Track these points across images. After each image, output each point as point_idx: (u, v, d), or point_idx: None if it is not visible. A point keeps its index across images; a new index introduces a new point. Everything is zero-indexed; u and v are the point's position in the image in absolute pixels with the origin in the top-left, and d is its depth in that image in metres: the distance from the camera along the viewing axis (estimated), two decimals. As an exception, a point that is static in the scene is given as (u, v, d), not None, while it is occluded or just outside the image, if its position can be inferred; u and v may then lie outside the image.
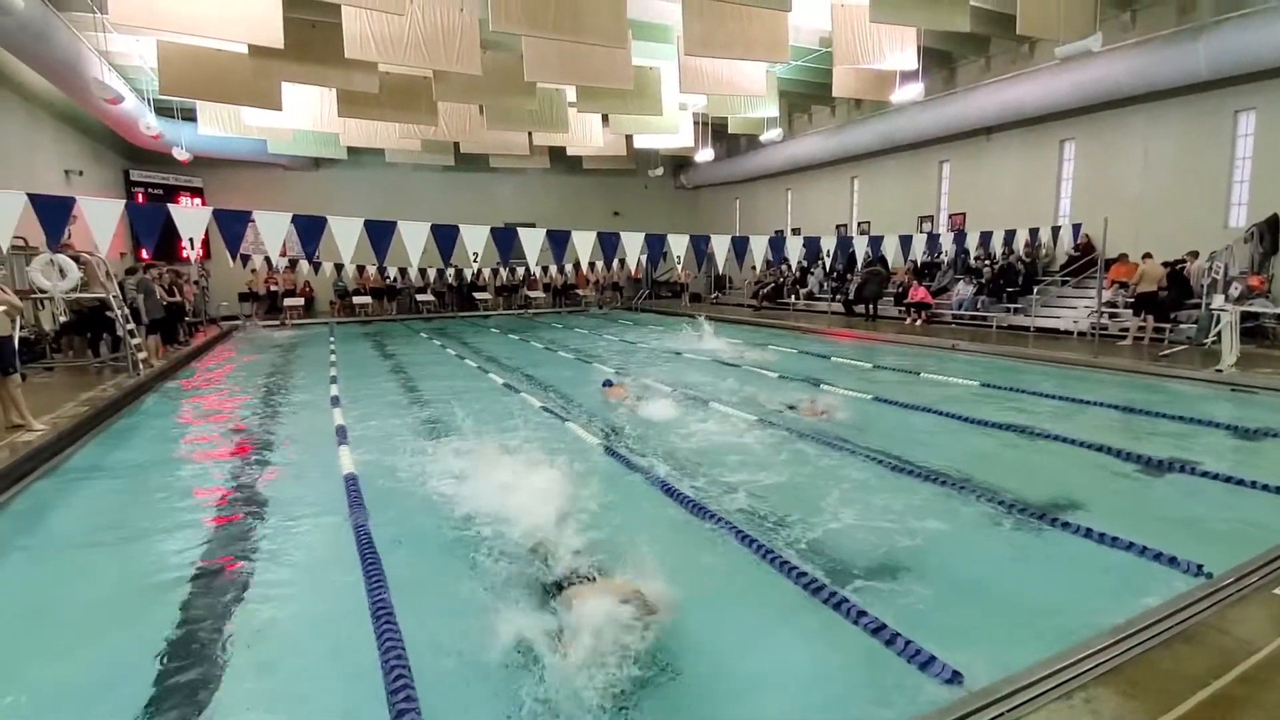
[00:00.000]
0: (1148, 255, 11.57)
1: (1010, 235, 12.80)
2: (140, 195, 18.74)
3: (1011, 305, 14.27)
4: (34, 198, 5.69)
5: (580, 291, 24.32)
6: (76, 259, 9.60)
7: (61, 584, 3.88)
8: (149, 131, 14.60)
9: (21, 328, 7.80)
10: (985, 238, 12.59)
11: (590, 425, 6.90)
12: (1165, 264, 11.52)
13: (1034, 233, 13.21)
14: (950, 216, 17.30)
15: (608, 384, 8.87)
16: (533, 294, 23.17)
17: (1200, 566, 3.43)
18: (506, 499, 4.47)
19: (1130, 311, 11.88)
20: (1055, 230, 13.69)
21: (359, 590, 3.45)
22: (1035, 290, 13.64)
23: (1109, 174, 13.71)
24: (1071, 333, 12.61)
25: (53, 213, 5.80)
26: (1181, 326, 11.20)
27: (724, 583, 3.58)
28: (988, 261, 15.42)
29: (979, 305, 14.87)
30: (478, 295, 22.69)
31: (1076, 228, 13.91)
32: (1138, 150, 13.16)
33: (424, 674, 2.69)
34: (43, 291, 9.56)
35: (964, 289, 15.42)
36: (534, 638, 2.91)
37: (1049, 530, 4.12)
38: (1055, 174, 14.89)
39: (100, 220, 6.06)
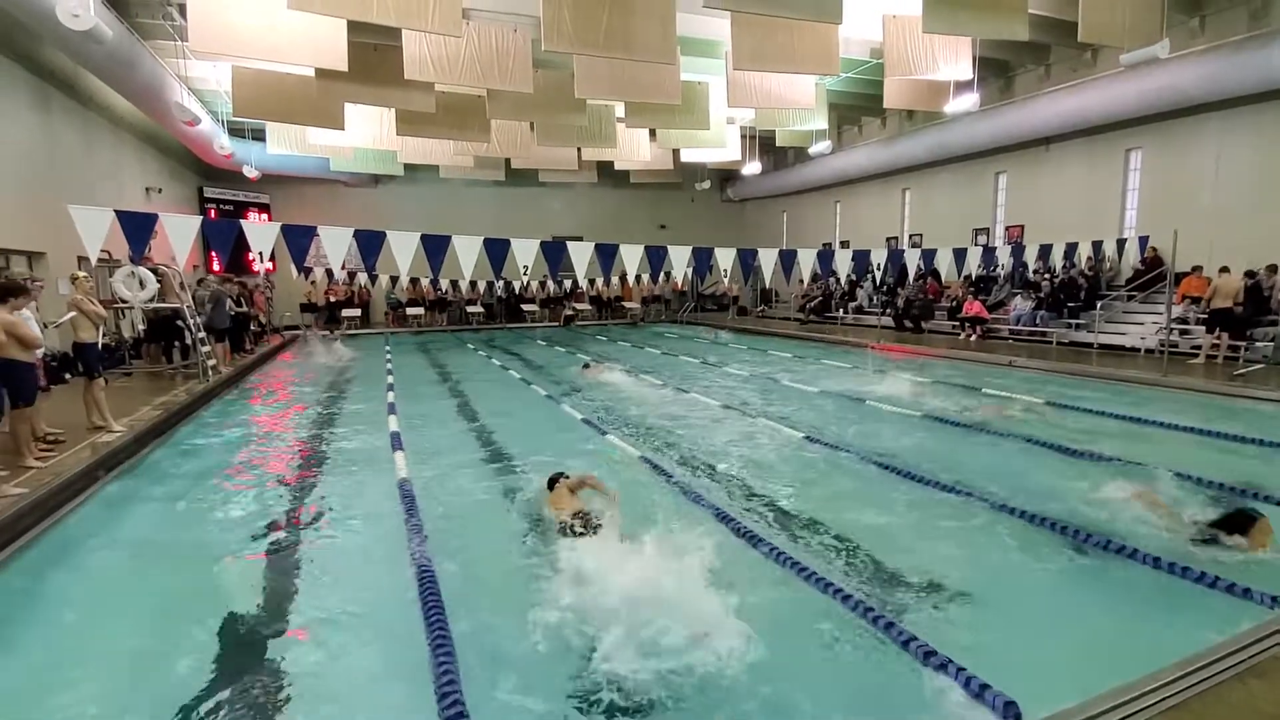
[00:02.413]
0: (1225, 269, 10.99)
1: (1072, 248, 12.36)
2: (213, 211, 19.80)
3: (1073, 321, 13.73)
4: (120, 214, 6.09)
5: (627, 304, 24.48)
6: (154, 271, 10.21)
7: (129, 576, 4.14)
8: (222, 151, 15.45)
9: (104, 335, 8.33)
10: (1045, 250, 12.17)
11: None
12: (1248, 273, 10.91)
13: (1097, 245, 12.72)
14: (1007, 229, 16.79)
15: (586, 365, 11.20)
16: (579, 306, 23.42)
17: (1275, 599, 3.24)
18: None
19: (1203, 328, 11.29)
20: (1120, 243, 13.14)
21: (408, 583, 3.58)
22: (1099, 305, 13.10)
23: (1179, 184, 13.10)
24: (1138, 350, 12.06)
25: (137, 228, 6.20)
26: (1258, 345, 10.59)
27: (767, 602, 3.54)
28: (1047, 275, 14.89)
29: (1038, 320, 14.36)
30: (525, 307, 23.08)
31: (1143, 240, 13.33)
32: (1209, 160, 12.54)
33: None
34: (124, 301, 10.19)
35: (1022, 304, 14.92)
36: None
37: (1114, 557, 3.95)
38: (1120, 185, 14.31)
39: (179, 235, 6.44)
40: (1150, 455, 5.75)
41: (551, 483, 4.79)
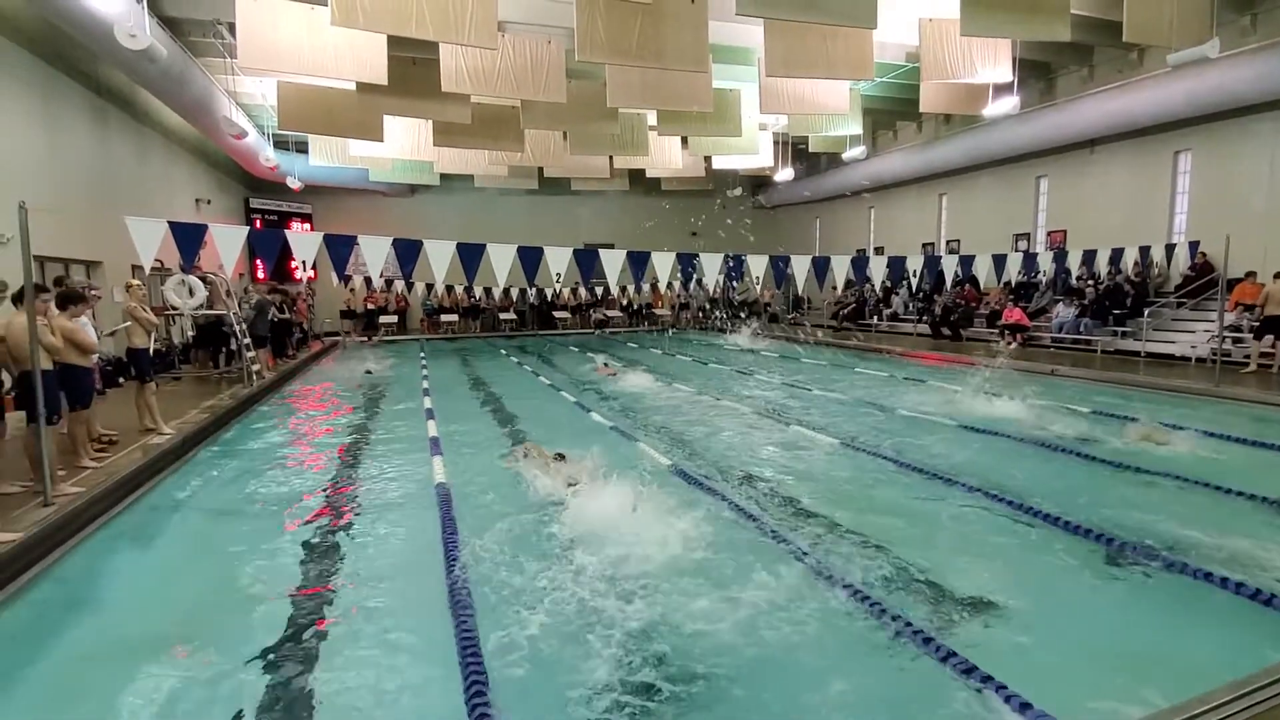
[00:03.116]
0: (1279, 275, 10.54)
1: (1117, 254, 12.01)
2: (258, 221, 20.50)
3: (1119, 328, 13.31)
4: (173, 225, 6.34)
5: (658, 311, 24.50)
6: (204, 279, 10.58)
7: (173, 570, 4.29)
8: (267, 163, 15.96)
9: (155, 341, 8.67)
10: (1089, 256, 11.84)
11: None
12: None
13: (1145, 251, 12.33)
14: (1049, 234, 16.38)
15: (605, 365, 12.11)
16: (611, 313, 23.53)
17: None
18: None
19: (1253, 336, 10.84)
20: (1169, 248, 12.71)
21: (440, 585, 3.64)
22: (1146, 313, 12.68)
23: (1230, 188, 12.62)
24: (1188, 359, 11.63)
25: (188, 238, 6.44)
26: (1317, 353, 10.13)
27: (797, 616, 3.50)
28: (1091, 282, 14.47)
29: (1081, 328, 13.96)
30: (557, 314, 23.28)
31: (1193, 245, 12.88)
32: (1263, 162, 12.06)
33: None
34: (174, 308, 10.58)
35: (1064, 311, 14.52)
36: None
37: (1166, 575, 3.82)
38: (1169, 188, 13.85)
39: (227, 244, 6.67)
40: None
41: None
